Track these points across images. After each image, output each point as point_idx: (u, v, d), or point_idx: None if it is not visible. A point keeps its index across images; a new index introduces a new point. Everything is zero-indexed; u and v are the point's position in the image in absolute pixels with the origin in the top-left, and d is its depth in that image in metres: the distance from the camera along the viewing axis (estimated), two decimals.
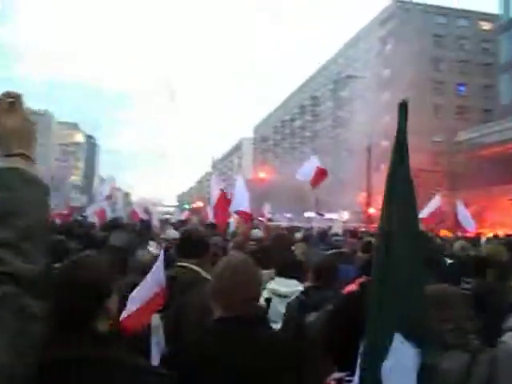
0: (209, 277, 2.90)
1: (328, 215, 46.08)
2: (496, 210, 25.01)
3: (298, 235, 7.68)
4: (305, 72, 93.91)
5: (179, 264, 2.94)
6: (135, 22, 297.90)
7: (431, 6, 49.76)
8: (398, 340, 1.27)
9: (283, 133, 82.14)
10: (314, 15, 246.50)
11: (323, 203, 45.46)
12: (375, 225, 30.66)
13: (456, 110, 48.53)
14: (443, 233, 19.33)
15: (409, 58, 43.59)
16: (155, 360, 2.07)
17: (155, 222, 9.28)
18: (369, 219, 30.97)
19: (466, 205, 12.48)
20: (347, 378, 1.52)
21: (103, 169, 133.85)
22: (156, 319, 2.33)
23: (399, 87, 44.68)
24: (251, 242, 6.34)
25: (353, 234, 7.41)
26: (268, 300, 3.71)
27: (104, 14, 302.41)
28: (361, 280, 4.04)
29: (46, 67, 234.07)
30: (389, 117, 48.19)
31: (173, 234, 7.20)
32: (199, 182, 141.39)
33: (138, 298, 2.24)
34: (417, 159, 32.58)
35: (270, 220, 14.17)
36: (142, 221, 9.90)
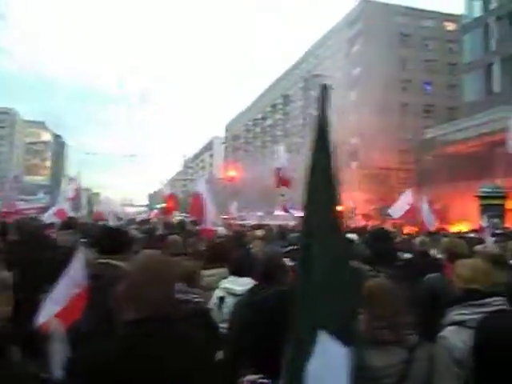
0: None
1: (297, 213, 46.49)
2: (461, 205, 25.60)
3: (259, 233, 7.62)
4: (277, 70, 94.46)
5: (99, 261, 2.83)
6: (107, 20, 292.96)
7: (397, 6, 50.67)
8: (324, 339, 1.21)
9: (254, 131, 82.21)
10: (286, 14, 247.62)
11: (294, 201, 45.67)
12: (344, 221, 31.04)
13: (423, 108, 49.59)
14: (408, 229, 19.70)
15: (376, 57, 44.30)
16: (56, 367, 1.95)
17: (111, 222, 9.10)
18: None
19: (432, 201, 12.63)
20: (260, 381, 1.47)
21: (72, 168, 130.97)
22: (55, 323, 2.17)
23: (367, 86, 45.37)
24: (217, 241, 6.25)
25: None
26: (222, 298, 3.65)
27: (77, 9, 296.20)
28: None
29: (14, 64, 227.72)
30: (357, 115, 48.89)
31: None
32: (171, 181, 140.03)
33: (55, 299, 2.14)
34: (384, 157, 33.05)
35: (234, 218, 14.15)
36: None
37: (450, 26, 51.78)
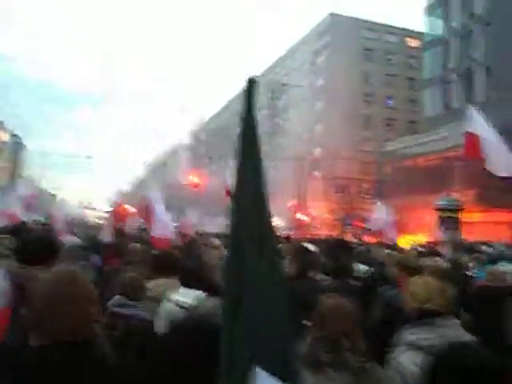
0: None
1: None
2: (418, 217, 26.23)
3: (216, 241, 7.33)
4: (244, 80, 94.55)
5: (21, 270, 2.58)
6: (70, 17, 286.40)
7: (362, 20, 51.86)
8: (259, 375, 1.06)
9: (220, 137, 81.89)
10: (254, 24, 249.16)
11: None
12: (305, 231, 31.20)
13: (385, 122, 50.76)
14: (368, 239, 19.96)
15: (341, 69, 45.16)
16: None
17: (58, 226, 8.71)
18: (299, 225, 31.42)
19: (391, 213, 12.85)
20: None
21: (31, 169, 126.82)
22: None
23: (332, 97, 46.11)
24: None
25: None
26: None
27: (40, 6, 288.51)
28: None
29: None
30: (321, 125, 49.56)
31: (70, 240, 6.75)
32: (136, 187, 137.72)
33: None
34: (348, 168, 33.52)
35: (190, 226, 13.83)
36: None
37: (413, 43, 53.38)
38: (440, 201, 15.42)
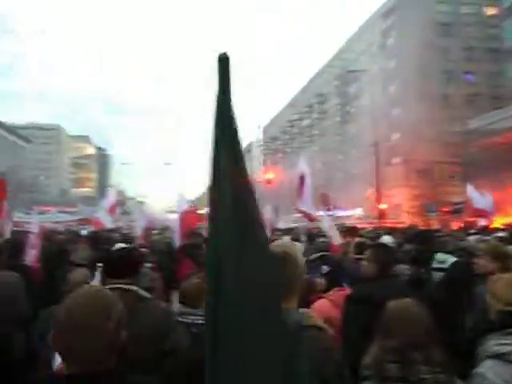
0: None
1: (341, 213, 45.63)
2: (509, 198, 24.30)
3: (286, 238, 7.11)
4: (311, 69, 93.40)
5: (110, 286, 2.51)
6: (141, 32, 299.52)
7: None
8: None
9: (292, 132, 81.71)
10: (316, 12, 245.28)
11: (335, 200, 45.00)
12: (387, 220, 30.10)
13: (466, 99, 47.57)
14: (456, 225, 18.79)
15: (414, 48, 42.91)
16: None
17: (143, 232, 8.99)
18: (381, 215, 30.34)
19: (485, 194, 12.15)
20: None
21: (117, 179, 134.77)
22: None
23: (406, 79, 44.04)
24: None
25: (351, 232, 6.90)
26: None
27: (114, 24, 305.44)
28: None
29: (55, 81, 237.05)
30: (397, 109, 47.56)
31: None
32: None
33: None
34: (428, 151, 31.91)
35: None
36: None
37: (490, 11, 49.58)
38: None
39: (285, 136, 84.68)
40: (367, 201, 40.66)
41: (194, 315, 2.61)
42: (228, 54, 1.02)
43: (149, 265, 4.48)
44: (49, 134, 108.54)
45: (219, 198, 1.04)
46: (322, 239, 5.57)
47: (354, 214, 46.10)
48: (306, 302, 3.57)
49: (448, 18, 48.45)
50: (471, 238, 6.65)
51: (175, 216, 8.71)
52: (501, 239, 6.44)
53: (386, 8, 51.12)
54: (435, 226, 22.97)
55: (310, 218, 7.60)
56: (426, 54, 43.44)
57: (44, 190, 77.32)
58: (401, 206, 42.49)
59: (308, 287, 3.68)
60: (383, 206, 31.25)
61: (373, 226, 25.62)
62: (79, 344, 1.33)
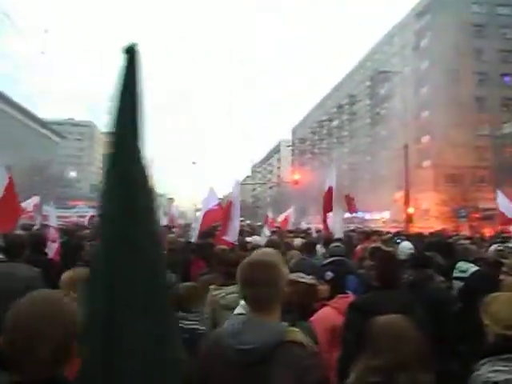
0: None
1: (368, 215, 45.04)
2: None
3: (297, 242, 6.95)
4: (342, 70, 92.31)
5: None
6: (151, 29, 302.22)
7: None
8: None
9: (321, 133, 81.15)
10: (349, 13, 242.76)
11: (362, 203, 44.49)
12: (415, 225, 29.50)
13: (502, 102, 46.16)
14: (488, 231, 18.24)
15: (447, 50, 41.88)
16: None
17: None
18: (409, 219, 29.75)
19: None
20: None
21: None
22: None
23: (438, 81, 43.03)
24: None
25: (366, 236, 6.74)
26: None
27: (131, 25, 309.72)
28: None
29: (89, 78, 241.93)
30: (428, 112, 46.56)
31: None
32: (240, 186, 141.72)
33: None
34: (460, 155, 31.09)
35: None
36: None
37: None
38: None
39: (314, 137, 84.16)
40: (395, 204, 39.97)
41: (187, 320, 2.58)
42: (137, 45, 0.94)
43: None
44: (82, 131, 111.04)
45: (109, 197, 1.00)
46: (335, 244, 5.45)
47: (381, 218, 45.52)
48: (311, 310, 3.52)
49: (484, 18, 47.12)
50: (492, 247, 6.40)
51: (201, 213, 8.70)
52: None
53: (418, 8, 50.11)
54: (465, 232, 22.37)
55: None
56: (460, 56, 42.35)
57: (75, 185, 79.01)
58: (429, 211, 41.59)
59: (312, 294, 3.62)
60: (411, 210, 30.60)
61: (398, 230, 25.25)
62: (23, 349, 1.27)
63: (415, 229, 28.08)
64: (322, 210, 7.82)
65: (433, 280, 4.46)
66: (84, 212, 18.20)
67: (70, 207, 20.76)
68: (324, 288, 3.80)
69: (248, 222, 30.07)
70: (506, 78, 47.07)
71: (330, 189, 7.73)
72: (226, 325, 1.93)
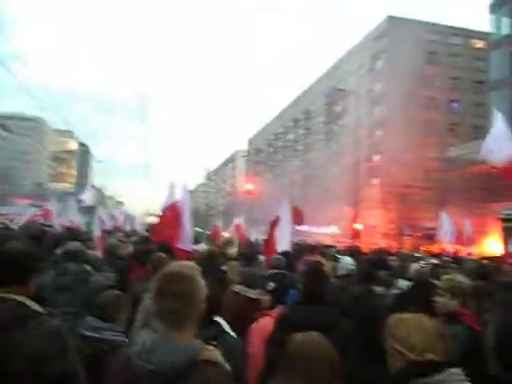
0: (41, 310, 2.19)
1: (315, 229, 45.70)
2: (478, 226, 24.64)
3: (232, 251, 6.82)
4: (301, 85, 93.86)
5: None
6: (123, 27, 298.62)
7: (424, 22, 49.89)
8: None
9: (276, 145, 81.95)
10: (316, 12, 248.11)
11: (312, 217, 45.05)
12: (361, 241, 30.21)
13: (448, 127, 48.41)
14: (428, 248, 18.86)
15: (401, 73, 43.53)
16: None
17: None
18: (355, 235, 30.43)
19: (455, 222, 12.33)
20: None
21: (96, 178, 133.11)
22: None
23: (391, 103, 44.59)
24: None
25: (311, 250, 6.77)
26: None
27: (90, 22, 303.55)
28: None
29: (44, 74, 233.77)
30: (381, 131, 48.09)
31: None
32: (192, 193, 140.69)
33: None
34: (407, 175, 32.23)
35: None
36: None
37: (478, 44, 50.75)
38: (504, 210, 14.40)
39: (269, 148, 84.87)
40: (343, 219, 40.81)
41: (111, 330, 2.39)
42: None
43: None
44: (31, 126, 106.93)
45: None
46: (276, 256, 5.44)
47: (331, 232, 46.30)
48: (250, 319, 3.51)
49: (437, 46, 49.40)
50: (413, 264, 6.64)
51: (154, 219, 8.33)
52: (437, 265, 6.47)
53: (378, 31, 51.84)
54: (406, 249, 23.10)
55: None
56: (412, 80, 44.10)
57: (19, 182, 75.82)
58: (375, 228, 42.72)
59: (253, 304, 3.59)
60: (358, 226, 31.33)
61: (346, 245, 25.72)
62: None
63: (362, 244, 28.77)
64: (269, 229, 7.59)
65: (374, 295, 4.53)
66: (22, 210, 17.39)
67: (8, 204, 19.78)
68: (266, 298, 3.80)
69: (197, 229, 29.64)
70: (454, 104, 49.45)
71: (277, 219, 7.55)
72: (138, 342, 1.76)
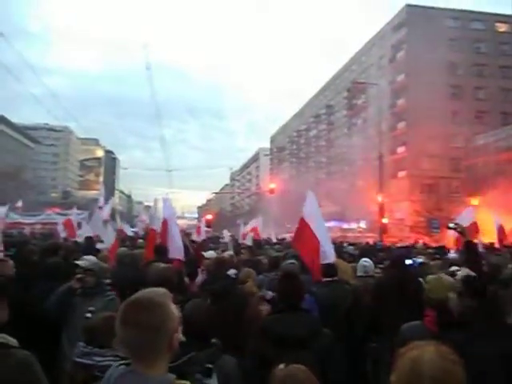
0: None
1: (344, 225, 45.19)
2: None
3: (244, 256, 6.61)
4: (321, 80, 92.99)
5: None
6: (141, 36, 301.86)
7: (443, 9, 48.67)
8: None
9: (298, 142, 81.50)
10: (328, 24, 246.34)
11: (340, 213, 44.46)
12: (389, 235, 29.62)
13: (475, 114, 47.08)
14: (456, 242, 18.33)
15: (423, 63, 42.57)
16: None
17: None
18: (383, 229, 29.85)
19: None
20: None
21: (122, 184, 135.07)
22: None
23: (414, 94, 43.65)
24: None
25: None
26: None
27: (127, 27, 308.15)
28: None
29: (69, 84, 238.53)
30: (405, 123, 47.18)
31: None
32: (218, 195, 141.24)
33: None
34: (434, 166, 31.57)
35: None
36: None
37: (502, 28, 49.28)
38: None
39: (292, 146, 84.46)
40: (370, 214, 40.19)
41: (101, 356, 2.24)
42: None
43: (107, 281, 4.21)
44: (58, 136, 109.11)
45: None
46: (289, 261, 5.22)
47: (358, 227, 45.70)
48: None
49: (458, 33, 48.13)
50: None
51: (182, 221, 8.35)
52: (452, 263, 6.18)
53: (396, 21, 50.89)
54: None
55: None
56: (435, 69, 43.07)
57: (49, 191, 77.47)
58: (403, 220, 41.96)
59: (254, 313, 3.50)
60: (385, 221, 30.75)
61: (373, 240, 25.26)
62: None
63: (392, 239, 28.18)
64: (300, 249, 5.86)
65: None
66: (51, 219, 17.62)
67: (36, 214, 20.09)
68: (265, 308, 3.65)
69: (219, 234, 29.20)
70: (479, 92, 48.10)
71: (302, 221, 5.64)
72: (105, 377, 1.58)
